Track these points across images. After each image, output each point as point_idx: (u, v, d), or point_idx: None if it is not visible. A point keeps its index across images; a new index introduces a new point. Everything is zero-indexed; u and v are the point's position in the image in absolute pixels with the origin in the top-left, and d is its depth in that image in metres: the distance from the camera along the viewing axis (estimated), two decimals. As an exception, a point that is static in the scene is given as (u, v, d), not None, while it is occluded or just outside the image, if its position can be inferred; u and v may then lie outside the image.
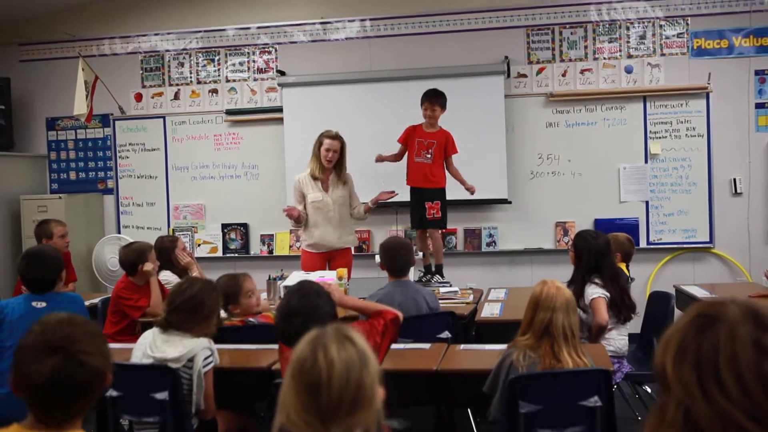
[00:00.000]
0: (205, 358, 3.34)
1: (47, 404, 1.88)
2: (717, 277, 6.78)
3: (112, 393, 3.31)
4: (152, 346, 3.38)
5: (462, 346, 3.90)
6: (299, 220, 6.02)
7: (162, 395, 3.26)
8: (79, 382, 1.87)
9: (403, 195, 6.24)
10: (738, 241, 6.88)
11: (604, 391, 3.03)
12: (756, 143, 6.86)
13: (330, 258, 6.04)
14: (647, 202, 6.99)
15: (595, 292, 4.34)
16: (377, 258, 4.98)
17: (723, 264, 6.92)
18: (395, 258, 4.50)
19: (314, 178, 5.99)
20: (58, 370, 1.84)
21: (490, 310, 4.59)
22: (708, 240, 6.90)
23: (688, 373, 1.22)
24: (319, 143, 5.95)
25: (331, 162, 5.93)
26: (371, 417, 1.63)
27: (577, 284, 4.40)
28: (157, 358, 3.33)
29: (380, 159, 6.25)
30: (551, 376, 3.00)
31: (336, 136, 5.95)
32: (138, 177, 7.82)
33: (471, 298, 5.14)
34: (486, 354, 3.58)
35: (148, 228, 7.75)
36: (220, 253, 7.58)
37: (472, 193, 6.09)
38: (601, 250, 4.43)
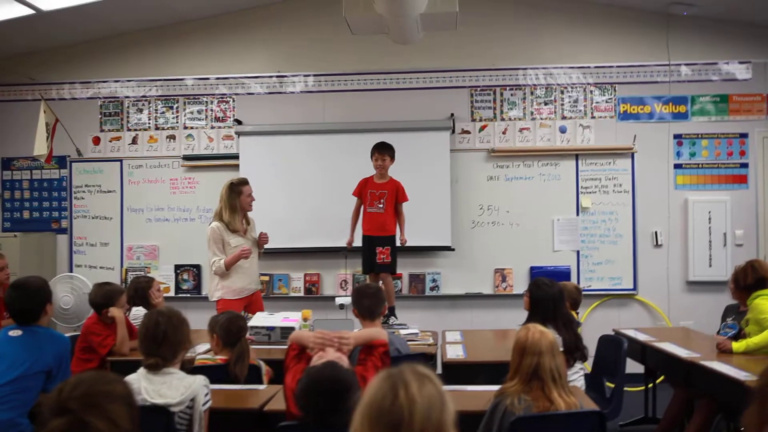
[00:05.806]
0: (205, 395, 3.26)
1: None
2: (640, 321, 7.34)
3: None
4: (148, 391, 3.24)
5: (449, 387, 4.02)
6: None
7: (157, 438, 3.10)
8: None
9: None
10: (658, 288, 7.54)
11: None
12: (674, 199, 7.57)
13: (248, 302, 6.10)
14: (578, 252, 7.58)
15: None
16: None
17: (645, 309, 7.54)
18: (360, 301, 4.41)
19: (231, 228, 6.02)
20: None
21: (454, 352, 4.79)
22: (632, 287, 7.53)
23: None
24: (237, 192, 6.04)
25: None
26: None
27: None
28: (159, 403, 3.19)
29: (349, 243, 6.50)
30: (549, 417, 3.05)
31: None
32: (93, 218, 7.95)
33: (431, 339, 5.41)
34: (475, 395, 3.56)
35: (100, 267, 7.88)
36: (172, 293, 7.73)
37: (403, 244, 6.37)
38: (555, 298, 4.69)
